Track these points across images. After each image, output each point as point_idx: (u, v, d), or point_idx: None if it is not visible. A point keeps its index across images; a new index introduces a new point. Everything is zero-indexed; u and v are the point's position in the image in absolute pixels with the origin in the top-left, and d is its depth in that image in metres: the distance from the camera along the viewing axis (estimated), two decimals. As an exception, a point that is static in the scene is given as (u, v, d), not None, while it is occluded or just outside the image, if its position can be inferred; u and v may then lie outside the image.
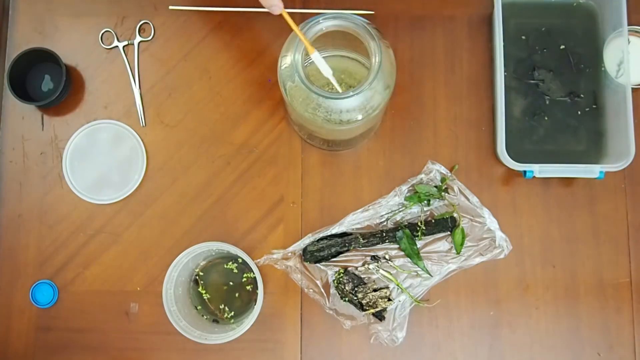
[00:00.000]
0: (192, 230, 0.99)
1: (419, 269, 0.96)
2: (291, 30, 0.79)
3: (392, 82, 0.81)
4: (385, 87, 0.81)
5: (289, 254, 0.97)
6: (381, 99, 0.81)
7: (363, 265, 0.97)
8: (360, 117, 0.80)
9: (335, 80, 0.82)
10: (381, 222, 0.98)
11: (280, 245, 0.98)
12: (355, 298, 0.95)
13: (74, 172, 1.01)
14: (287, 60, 0.79)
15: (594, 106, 0.99)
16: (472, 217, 0.97)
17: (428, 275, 0.96)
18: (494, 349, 0.96)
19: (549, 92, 1.00)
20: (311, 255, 0.96)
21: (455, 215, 0.97)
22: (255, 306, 0.90)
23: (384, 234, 0.96)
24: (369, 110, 0.80)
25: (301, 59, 0.77)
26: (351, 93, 0.77)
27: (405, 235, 0.95)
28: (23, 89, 1.03)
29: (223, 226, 0.99)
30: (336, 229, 0.97)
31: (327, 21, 0.78)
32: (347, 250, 0.96)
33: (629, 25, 0.95)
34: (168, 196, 1.00)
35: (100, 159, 1.02)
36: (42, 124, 1.03)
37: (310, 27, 0.78)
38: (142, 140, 1.02)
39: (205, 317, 0.98)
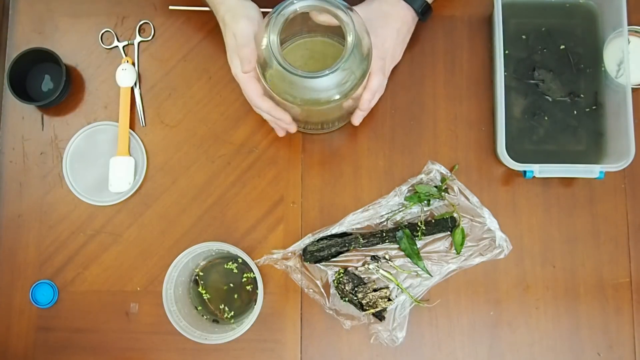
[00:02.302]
0: (192, 230, 0.99)
1: (419, 269, 0.96)
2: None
3: (368, 62, 0.82)
4: (362, 65, 0.81)
5: (289, 254, 0.97)
6: (358, 78, 0.81)
7: (363, 265, 0.97)
8: (337, 96, 0.80)
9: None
10: (381, 222, 0.98)
11: (280, 245, 0.98)
12: (355, 298, 0.95)
13: (74, 174, 1.01)
14: (264, 42, 0.79)
15: (594, 106, 0.99)
16: (472, 217, 0.97)
17: (428, 275, 0.96)
18: (494, 348, 0.96)
19: (549, 92, 1.00)
20: (311, 255, 0.96)
21: (455, 215, 0.97)
22: (255, 306, 0.90)
23: (384, 234, 0.96)
24: (347, 89, 0.81)
25: (277, 40, 0.77)
26: (327, 72, 0.76)
27: (405, 235, 0.95)
28: (23, 89, 1.03)
29: (223, 226, 0.99)
30: (336, 229, 0.97)
31: (302, 1, 0.78)
32: (347, 250, 0.96)
33: (629, 25, 0.95)
34: (168, 196, 1.00)
35: (100, 159, 1.01)
36: (42, 124, 1.03)
37: (284, 8, 0.77)
38: (142, 140, 1.02)
39: (205, 317, 0.98)
